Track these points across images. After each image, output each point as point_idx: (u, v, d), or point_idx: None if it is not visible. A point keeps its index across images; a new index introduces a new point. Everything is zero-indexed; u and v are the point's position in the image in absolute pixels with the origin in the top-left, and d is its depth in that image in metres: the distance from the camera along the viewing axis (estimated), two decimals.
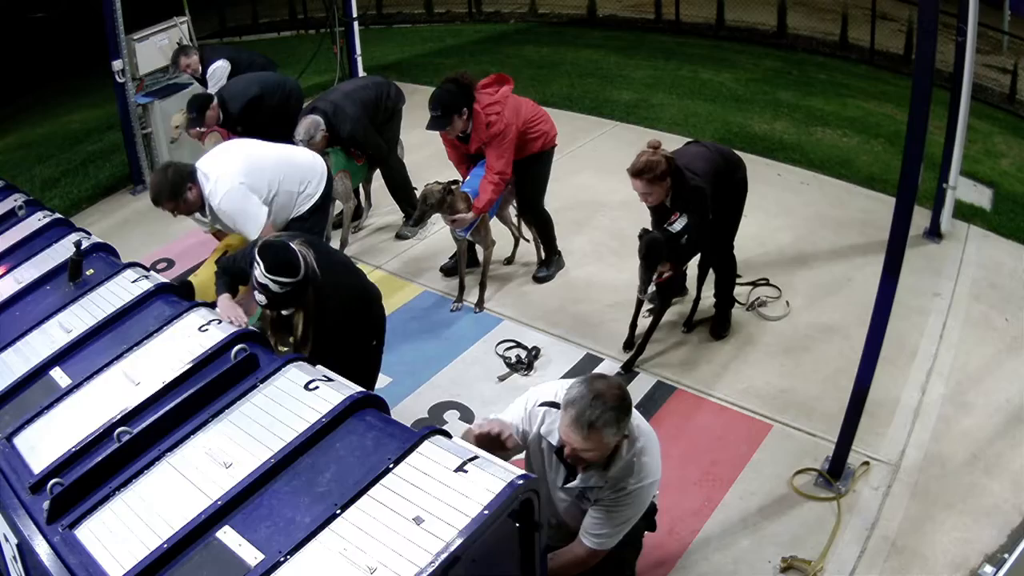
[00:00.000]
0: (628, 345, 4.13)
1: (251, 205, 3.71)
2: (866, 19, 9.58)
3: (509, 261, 4.97)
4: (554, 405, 2.29)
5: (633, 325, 4.13)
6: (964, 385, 3.81)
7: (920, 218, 4.86)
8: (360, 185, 5.35)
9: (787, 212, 5.34)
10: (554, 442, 2.29)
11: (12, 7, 10.40)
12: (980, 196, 5.60)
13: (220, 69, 5.59)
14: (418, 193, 4.35)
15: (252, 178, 3.74)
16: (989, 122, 7.60)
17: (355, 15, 7.73)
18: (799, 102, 7.51)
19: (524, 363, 4.07)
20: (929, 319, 4.26)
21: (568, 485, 2.32)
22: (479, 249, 4.71)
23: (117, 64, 5.78)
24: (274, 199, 3.84)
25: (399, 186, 5.34)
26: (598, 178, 5.86)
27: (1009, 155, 6.85)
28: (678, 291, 4.35)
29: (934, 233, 5.00)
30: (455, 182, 4.30)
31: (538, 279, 4.77)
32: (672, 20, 10.64)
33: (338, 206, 5.20)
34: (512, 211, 4.82)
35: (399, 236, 5.37)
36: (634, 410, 2.30)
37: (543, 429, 2.34)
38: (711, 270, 4.25)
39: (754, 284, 4.54)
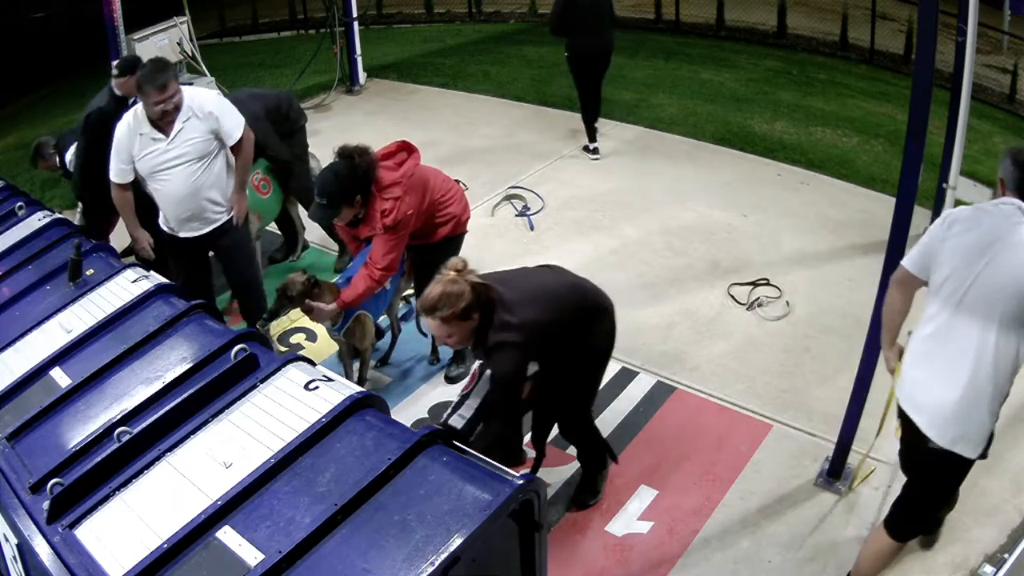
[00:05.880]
0: None
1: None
2: (866, 19, 9.59)
3: (383, 361, 4.14)
4: None
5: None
6: None
7: (920, 218, 4.82)
8: (296, 216, 4.95)
9: (787, 212, 5.34)
10: None
11: (12, 7, 10.42)
12: (980, 196, 5.57)
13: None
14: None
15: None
16: (989, 122, 7.61)
17: (355, 15, 7.75)
18: (799, 102, 7.52)
19: None
20: None
21: None
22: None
23: None
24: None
25: (287, 217, 4.94)
26: (598, 178, 5.87)
27: None
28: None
29: None
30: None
31: (450, 379, 3.99)
32: (672, 20, 10.67)
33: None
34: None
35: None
36: None
37: None
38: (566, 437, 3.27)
39: (754, 284, 4.55)
